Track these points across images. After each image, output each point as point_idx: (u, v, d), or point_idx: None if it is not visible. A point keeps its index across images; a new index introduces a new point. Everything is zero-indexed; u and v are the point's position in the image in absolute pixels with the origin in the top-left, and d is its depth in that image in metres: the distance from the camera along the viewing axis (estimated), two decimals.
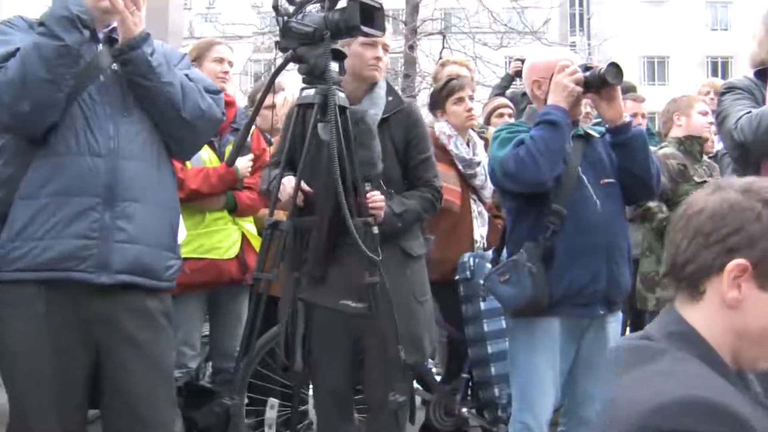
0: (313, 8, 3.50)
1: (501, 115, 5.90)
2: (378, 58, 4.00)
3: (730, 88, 3.65)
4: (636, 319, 5.72)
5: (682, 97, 5.53)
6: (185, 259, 3.70)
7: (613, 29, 40.28)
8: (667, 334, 1.74)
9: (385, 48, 4.07)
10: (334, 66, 3.48)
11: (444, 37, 16.93)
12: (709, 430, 1.52)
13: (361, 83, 3.94)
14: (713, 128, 5.22)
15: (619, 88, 3.77)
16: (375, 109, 3.97)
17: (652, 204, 5.10)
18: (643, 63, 49.72)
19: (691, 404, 1.54)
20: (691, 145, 5.30)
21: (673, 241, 1.80)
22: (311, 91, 3.53)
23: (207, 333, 5.01)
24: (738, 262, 1.69)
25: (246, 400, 4.57)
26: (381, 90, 4.06)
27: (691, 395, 1.56)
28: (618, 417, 1.63)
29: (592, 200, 3.70)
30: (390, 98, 4.07)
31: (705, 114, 5.33)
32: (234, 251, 4.69)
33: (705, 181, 4.94)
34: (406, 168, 4.04)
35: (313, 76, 3.51)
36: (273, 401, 4.73)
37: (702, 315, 1.74)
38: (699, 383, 1.61)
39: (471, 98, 5.14)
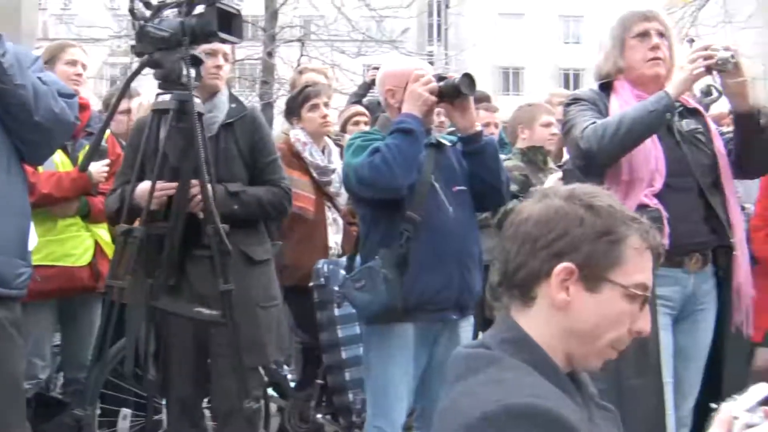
0: (170, 13, 3.48)
1: (357, 123, 5.95)
2: (219, 67, 4.04)
3: (575, 100, 3.78)
4: (486, 326, 5.84)
5: (526, 107, 5.67)
6: (36, 266, 3.59)
7: (469, 40, 41.09)
8: (501, 341, 1.81)
9: (226, 57, 4.09)
10: (192, 72, 3.46)
11: (302, 44, 16.94)
12: None
13: (202, 92, 3.92)
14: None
15: (471, 98, 3.87)
16: (217, 113, 4.00)
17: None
18: (498, 73, 50.80)
19: (516, 411, 1.60)
20: (534, 155, 5.47)
21: (504, 250, 1.86)
22: (167, 97, 3.51)
23: (58, 343, 4.89)
24: (564, 265, 1.77)
25: (98, 411, 4.48)
26: (223, 96, 4.10)
27: (516, 402, 1.61)
28: (447, 426, 1.69)
29: (444, 207, 3.79)
30: (233, 105, 4.10)
31: (548, 125, 5.50)
32: (87, 258, 4.60)
33: None
34: (252, 172, 4.06)
35: (169, 81, 3.49)
36: (126, 411, 4.66)
37: (535, 320, 1.82)
38: (526, 390, 1.66)
39: (327, 105, 5.18)
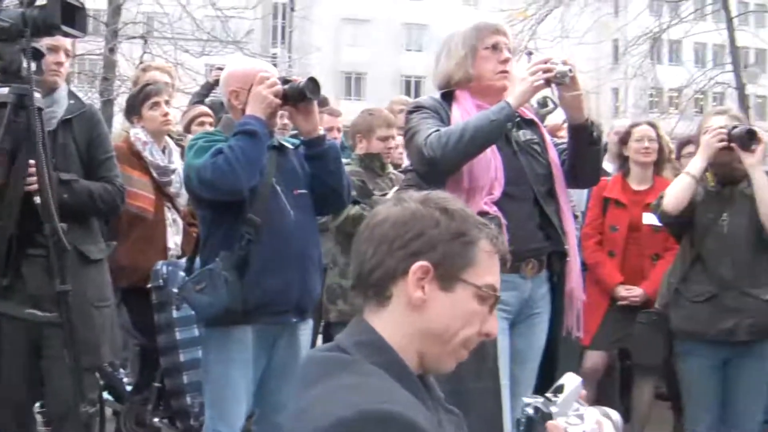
0: (11, 3, 3.35)
1: (202, 124, 5.86)
2: (59, 63, 3.94)
3: (417, 107, 3.82)
4: (326, 329, 5.87)
5: (366, 116, 5.70)
6: None
7: (313, 44, 41.11)
8: (355, 343, 1.83)
9: (67, 53, 3.98)
10: (33, 65, 3.35)
11: (145, 41, 16.60)
12: None
13: (41, 87, 3.78)
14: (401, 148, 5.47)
15: (315, 102, 3.87)
16: (56, 108, 3.90)
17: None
18: (341, 78, 51.10)
19: (371, 416, 1.62)
20: (371, 162, 5.52)
21: (359, 252, 1.89)
22: (5, 90, 3.38)
23: None
24: (421, 263, 1.82)
25: None
26: (63, 92, 4.00)
27: (371, 408, 1.64)
28: (301, 430, 1.69)
29: (286, 210, 3.78)
30: (72, 101, 4.01)
31: (385, 139, 5.55)
32: None
33: (386, 194, 5.19)
34: (88, 168, 3.97)
35: (8, 73, 3.36)
36: None
37: (389, 320, 1.85)
38: (381, 396, 1.69)
39: (168, 104, 5.09)
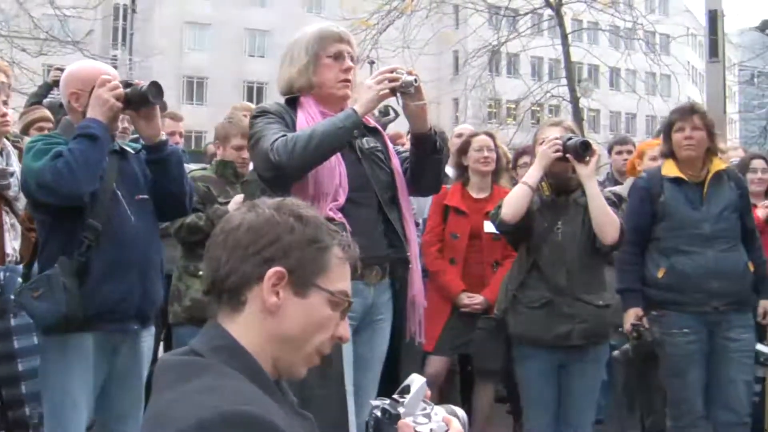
0: None
1: (41, 129, 5.68)
2: None
3: (262, 112, 3.79)
4: (169, 334, 5.78)
5: (226, 124, 5.65)
6: None
7: (155, 47, 40.38)
8: (212, 348, 1.83)
9: None
10: None
11: None
12: None
13: None
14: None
15: (158, 106, 3.81)
16: None
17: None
18: (183, 82, 50.35)
19: (231, 418, 1.63)
20: (225, 169, 5.49)
21: (213, 258, 1.90)
22: None
23: None
24: (276, 269, 1.84)
25: None
26: None
27: (230, 409, 1.64)
28: None
29: (126, 215, 3.71)
30: None
31: (240, 149, 5.51)
32: None
33: (228, 201, 5.17)
34: None
35: None
36: None
37: (244, 326, 1.86)
38: (241, 398, 1.69)
39: (5, 104, 4.90)
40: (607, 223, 4.43)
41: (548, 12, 16.76)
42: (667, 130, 4.96)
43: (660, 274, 4.87)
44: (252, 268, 1.85)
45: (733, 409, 4.83)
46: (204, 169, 5.57)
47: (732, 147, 8.35)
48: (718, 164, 4.99)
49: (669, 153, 4.98)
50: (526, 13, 17.54)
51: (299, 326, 1.87)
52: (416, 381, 1.92)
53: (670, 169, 4.94)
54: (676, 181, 4.91)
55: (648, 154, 5.81)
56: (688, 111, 4.94)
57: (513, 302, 4.62)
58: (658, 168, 5.11)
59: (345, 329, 1.94)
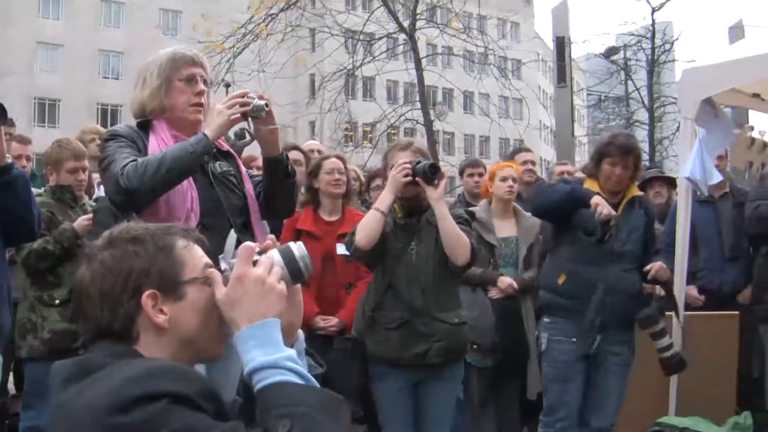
0: None
1: None
2: None
3: (114, 136, 3.74)
4: (17, 365, 5.64)
5: (55, 148, 5.53)
6: None
7: (6, 67, 39.11)
8: (109, 354, 1.87)
9: None
10: None
11: None
12: (176, 386, 1.71)
13: None
14: None
15: (1, 128, 3.72)
16: None
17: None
18: (34, 104, 48.89)
19: (156, 369, 1.74)
20: (62, 194, 5.41)
21: (89, 316, 1.94)
22: None
23: None
24: (147, 294, 1.90)
25: None
26: None
27: (154, 364, 1.77)
28: (78, 418, 1.71)
29: None
30: None
31: (73, 171, 5.43)
32: None
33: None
34: None
35: None
36: None
37: (147, 351, 1.91)
38: (159, 360, 1.83)
39: None
40: (458, 246, 4.51)
41: (402, 37, 17.02)
42: (600, 155, 5.13)
43: (560, 281, 5.07)
44: (128, 306, 1.91)
45: (605, 417, 5.11)
46: (38, 195, 5.47)
47: (579, 168, 8.69)
48: (633, 191, 5.25)
49: (593, 174, 5.19)
50: (381, 38, 17.77)
51: (196, 322, 1.95)
52: (230, 236, 2.10)
53: (591, 187, 5.14)
54: None
55: (498, 176, 6.00)
56: (627, 151, 5.11)
57: (370, 323, 4.66)
58: (581, 180, 5.34)
59: (220, 288, 1.97)
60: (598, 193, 4.97)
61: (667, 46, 28.32)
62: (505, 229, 5.99)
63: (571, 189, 5.03)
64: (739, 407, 5.70)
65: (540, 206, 5.18)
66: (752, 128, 2.58)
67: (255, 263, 1.95)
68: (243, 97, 3.68)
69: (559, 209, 5.04)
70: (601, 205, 4.84)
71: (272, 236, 2.14)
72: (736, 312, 5.98)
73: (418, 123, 18.08)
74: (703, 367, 5.39)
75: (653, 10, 25.91)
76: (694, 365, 5.46)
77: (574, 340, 4.99)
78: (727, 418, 5.43)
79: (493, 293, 5.79)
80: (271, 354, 1.83)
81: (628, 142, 5.18)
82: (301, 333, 2.13)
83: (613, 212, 4.90)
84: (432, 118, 17.11)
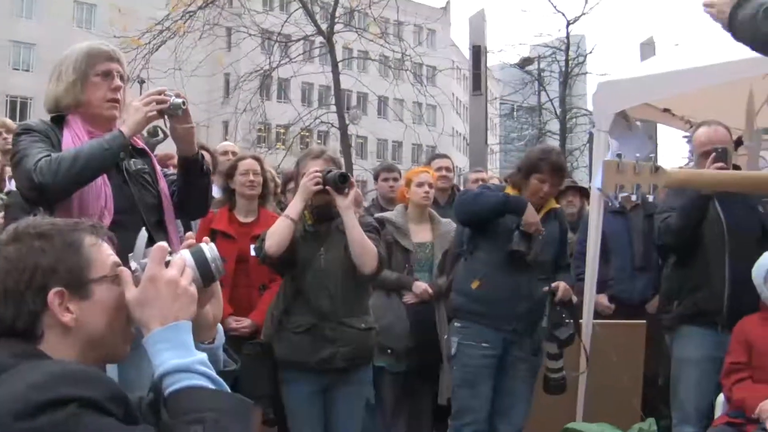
0: None
1: None
2: None
3: (26, 130, 3.66)
4: None
5: None
6: None
7: None
8: (13, 355, 1.80)
9: None
10: None
11: None
12: (83, 391, 1.66)
13: None
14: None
15: None
16: None
17: None
18: None
19: (63, 373, 1.69)
20: None
21: None
22: None
23: None
24: (53, 291, 1.85)
25: None
26: None
27: (61, 367, 1.72)
28: None
29: None
30: None
31: None
32: None
33: None
34: None
35: None
36: None
37: (53, 351, 1.85)
38: (66, 363, 1.77)
39: None
40: (365, 254, 4.56)
41: (320, 39, 17.02)
42: (530, 168, 5.15)
43: (474, 286, 5.10)
44: (33, 303, 1.86)
45: (514, 422, 5.18)
46: None
47: (491, 176, 8.81)
48: (551, 203, 5.32)
49: (518, 185, 5.22)
50: (298, 40, 17.74)
51: (103, 322, 1.91)
52: (141, 235, 2.05)
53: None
54: None
55: (414, 181, 6.03)
56: (558, 173, 5.17)
57: (278, 327, 4.68)
58: (502, 188, 5.40)
59: (130, 291, 1.93)
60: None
61: (581, 59, 28.91)
62: (420, 234, 6.02)
63: (506, 197, 5.08)
64: (644, 414, 5.83)
65: (471, 212, 5.19)
66: (620, 155, 2.71)
67: (167, 264, 1.92)
68: (160, 94, 3.65)
69: (490, 215, 5.07)
70: (536, 224, 4.95)
71: (191, 233, 2.11)
72: (644, 321, 6.10)
73: (333, 126, 18.10)
74: (610, 374, 5.50)
75: (568, 23, 26.40)
76: (601, 372, 5.57)
77: (485, 345, 5.04)
78: (633, 425, 5.54)
79: (408, 298, 5.81)
80: (182, 357, 1.81)
81: (560, 161, 5.24)
82: (221, 327, 2.12)
83: (542, 229, 4.98)
84: (347, 121, 17.14)
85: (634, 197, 2.66)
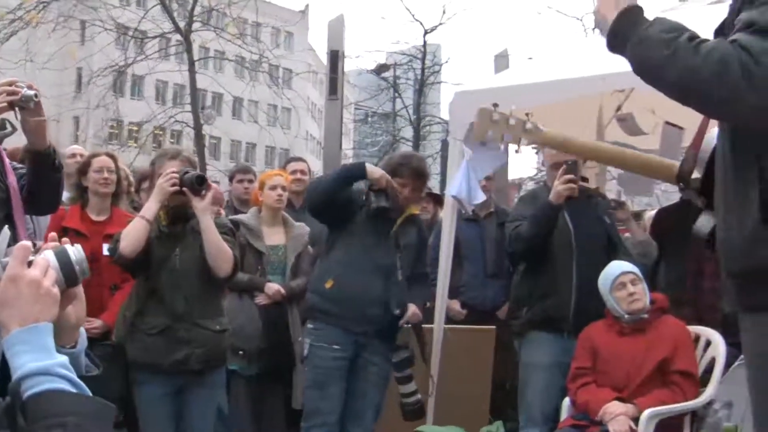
0: None
1: None
2: None
3: None
4: None
5: None
6: None
7: None
8: None
9: None
10: None
11: None
12: None
13: None
14: None
15: None
16: None
17: None
18: None
19: None
20: None
21: None
22: None
23: None
24: None
25: None
26: None
27: None
28: None
29: None
30: None
31: None
32: None
33: None
34: None
35: None
36: None
37: None
38: None
39: None
40: (220, 258, 4.54)
41: (177, 37, 16.78)
42: (391, 173, 5.12)
43: (327, 285, 5.08)
44: None
45: (364, 425, 5.20)
46: None
47: None
48: (412, 209, 5.34)
49: None
50: (155, 37, 17.46)
51: None
52: (3, 233, 1.97)
53: None
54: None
55: (268, 184, 6.00)
56: (419, 175, 5.21)
57: (131, 329, 4.61)
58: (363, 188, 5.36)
59: None
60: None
61: (436, 68, 29.44)
62: (273, 237, 6.00)
63: (343, 166, 5.11)
64: (492, 417, 5.96)
65: (318, 194, 5.14)
66: (497, 105, 2.71)
67: (30, 264, 1.86)
68: (11, 85, 3.54)
69: (336, 187, 5.04)
70: (382, 175, 4.99)
71: (54, 234, 2.05)
72: (494, 327, 6.23)
73: (187, 126, 17.87)
74: (460, 378, 5.61)
75: (425, 32, 26.83)
76: (451, 376, 5.67)
77: (336, 347, 5.05)
78: (481, 427, 5.66)
79: (261, 299, 5.78)
80: (42, 360, 1.76)
81: (421, 166, 5.31)
82: (83, 331, 2.07)
83: (391, 180, 5.02)
84: (201, 121, 16.96)
85: (501, 147, 2.67)
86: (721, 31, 2.33)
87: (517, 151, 3.14)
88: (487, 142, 2.67)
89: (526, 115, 2.63)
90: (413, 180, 5.17)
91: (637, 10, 2.36)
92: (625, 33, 2.33)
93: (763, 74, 2.06)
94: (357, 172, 5.07)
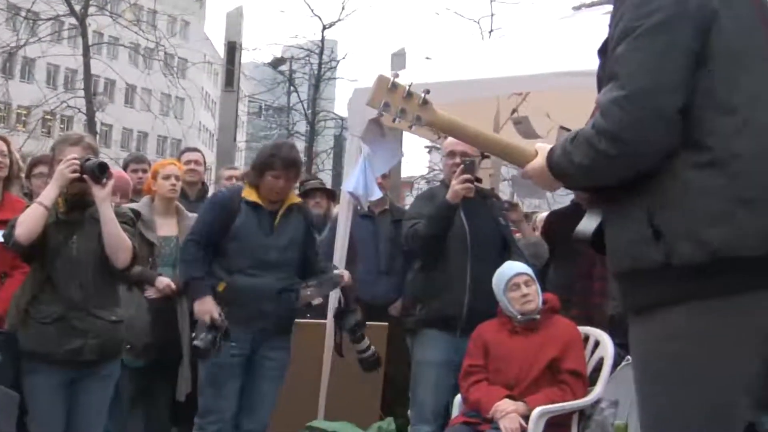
0: None
1: None
2: None
3: None
4: None
5: None
6: None
7: None
8: None
9: None
10: None
11: None
12: None
13: None
14: None
15: None
16: None
17: None
18: None
19: None
20: None
21: None
22: None
23: None
24: None
25: None
26: None
27: None
28: None
29: None
30: None
31: None
32: None
33: None
34: None
35: None
36: None
37: None
38: None
39: None
40: (120, 248, 4.47)
41: (71, 21, 16.40)
42: (263, 166, 5.12)
43: (220, 288, 5.05)
44: None
45: (258, 420, 5.22)
46: None
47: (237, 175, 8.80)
48: (292, 198, 5.33)
49: (254, 184, 5.18)
50: (49, 19, 17.02)
51: None
52: None
53: (250, 194, 5.16)
54: (253, 205, 5.13)
55: (161, 174, 5.92)
56: (290, 165, 5.15)
57: (24, 317, 4.46)
58: (240, 187, 5.35)
59: None
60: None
61: (333, 64, 29.41)
62: (166, 228, 5.92)
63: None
64: (383, 413, 6.00)
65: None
66: (397, 75, 2.69)
67: None
68: None
69: None
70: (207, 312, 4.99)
71: None
72: (386, 323, 6.27)
73: (79, 111, 17.49)
74: (351, 373, 5.61)
75: (324, 27, 26.79)
76: (343, 371, 5.69)
77: (233, 344, 5.02)
78: (372, 423, 5.69)
79: (150, 293, 5.69)
80: None
81: (291, 155, 5.27)
82: None
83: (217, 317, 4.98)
84: (94, 107, 16.62)
85: (397, 120, 2.67)
86: (604, 50, 2.43)
87: (411, 128, 3.16)
88: (378, 111, 2.66)
89: (425, 91, 2.64)
90: (286, 170, 5.14)
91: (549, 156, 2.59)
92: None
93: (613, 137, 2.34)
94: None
